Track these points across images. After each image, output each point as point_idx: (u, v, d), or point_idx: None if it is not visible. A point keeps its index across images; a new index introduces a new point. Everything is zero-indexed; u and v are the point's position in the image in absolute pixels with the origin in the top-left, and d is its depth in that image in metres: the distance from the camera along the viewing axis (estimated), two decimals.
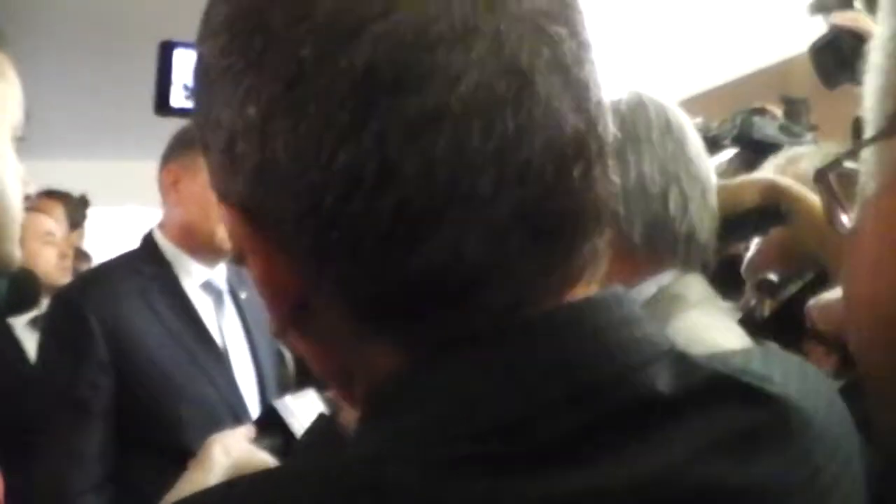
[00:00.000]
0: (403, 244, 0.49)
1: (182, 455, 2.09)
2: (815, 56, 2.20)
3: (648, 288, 1.26)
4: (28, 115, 1.13)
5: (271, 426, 1.51)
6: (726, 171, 2.40)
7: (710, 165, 1.35)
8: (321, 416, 1.32)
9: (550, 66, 0.50)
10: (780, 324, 1.36)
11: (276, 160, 0.50)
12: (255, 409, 2.22)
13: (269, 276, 0.55)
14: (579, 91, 0.52)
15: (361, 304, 0.52)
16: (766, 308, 1.48)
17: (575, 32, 0.53)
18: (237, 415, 2.17)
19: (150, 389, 2.10)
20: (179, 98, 1.16)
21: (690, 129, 1.34)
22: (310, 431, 1.31)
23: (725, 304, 1.34)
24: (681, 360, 0.53)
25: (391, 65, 0.48)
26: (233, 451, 1.47)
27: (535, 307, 0.52)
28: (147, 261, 2.22)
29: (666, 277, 1.28)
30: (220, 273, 2.28)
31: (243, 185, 0.53)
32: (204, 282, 2.25)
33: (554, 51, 0.51)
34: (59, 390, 2.07)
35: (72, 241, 3.61)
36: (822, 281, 1.33)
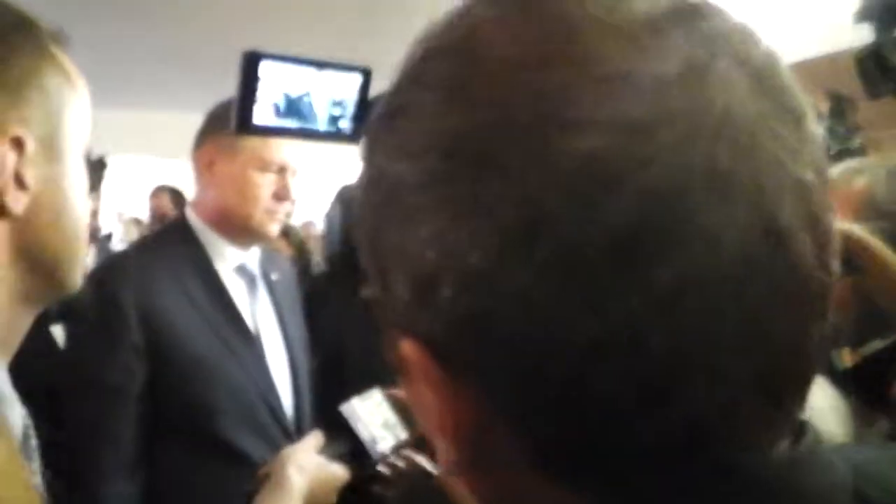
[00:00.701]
0: (633, 413, 0.45)
1: (213, 441, 2.08)
2: (859, 64, 2.15)
3: None
4: None
5: (338, 432, 1.49)
6: None
7: None
8: (421, 475, 1.28)
9: (804, 221, 0.46)
10: (862, 380, 1.33)
11: (501, 317, 0.45)
12: (286, 396, 2.20)
13: (441, 407, 0.51)
14: (825, 243, 0.48)
15: (554, 459, 0.49)
16: (844, 358, 1.45)
17: (820, 171, 0.48)
18: (268, 402, 2.15)
19: (182, 374, 2.07)
20: (264, 115, 1.08)
21: None
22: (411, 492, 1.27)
23: None
24: None
25: (653, 226, 0.43)
26: (306, 467, 1.45)
27: (751, 465, 0.48)
28: (180, 242, 2.18)
29: None
30: (253, 257, 2.24)
31: (441, 327, 0.48)
32: (238, 265, 2.21)
33: (808, 202, 0.46)
34: (93, 375, 2.04)
35: (89, 204, 3.54)
36: None
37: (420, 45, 0.52)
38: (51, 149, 0.98)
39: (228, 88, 1.14)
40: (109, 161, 4.22)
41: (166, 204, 4.99)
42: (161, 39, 5.97)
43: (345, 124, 1.12)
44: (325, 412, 2.27)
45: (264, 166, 2.14)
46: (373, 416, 1.45)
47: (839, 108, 2.66)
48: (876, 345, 1.35)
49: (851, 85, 2.64)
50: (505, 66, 0.46)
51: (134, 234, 5.93)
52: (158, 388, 2.07)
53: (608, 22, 0.46)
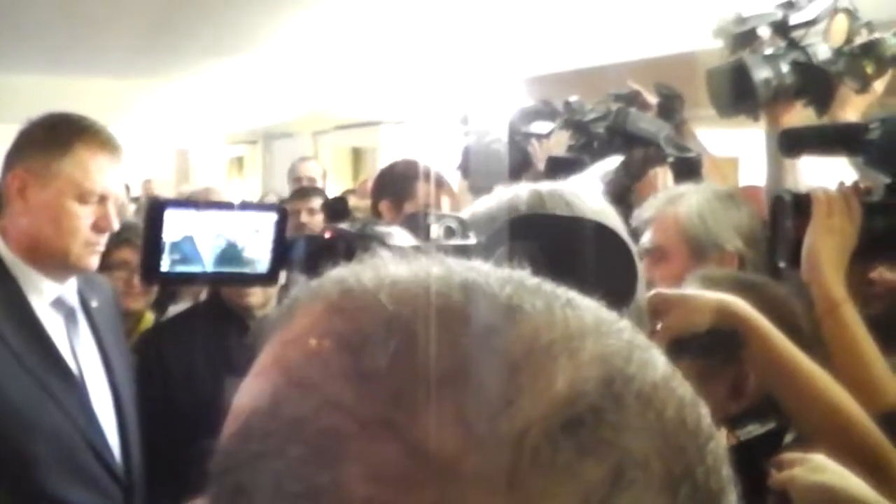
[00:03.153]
0: None
1: (36, 495, 1.93)
2: (711, 80, 2.14)
3: None
4: None
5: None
6: (612, 182, 2.35)
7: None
8: None
9: None
10: (737, 464, 1.32)
11: None
12: (113, 436, 2.06)
13: None
14: None
15: None
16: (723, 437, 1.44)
17: None
18: (94, 446, 2.01)
19: None
20: (169, 264, 1.03)
21: None
22: None
23: None
24: None
25: None
26: None
27: None
28: None
29: None
30: (70, 287, 2.07)
31: None
32: (55, 299, 2.03)
33: None
34: None
35: None
36: (781, 431, 1.30)
37: None
38: None
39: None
40: None
41: None
42: None
43: (262, 265, 1.08)
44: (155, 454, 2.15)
45: (83, 196, 1.96)
46: None
47: (668, 105, 2.66)
48: (752, 430, 1.35)
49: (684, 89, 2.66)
50: None
51: None
52: None
53: None
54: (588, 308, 0.49)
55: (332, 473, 0.42)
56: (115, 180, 2.02)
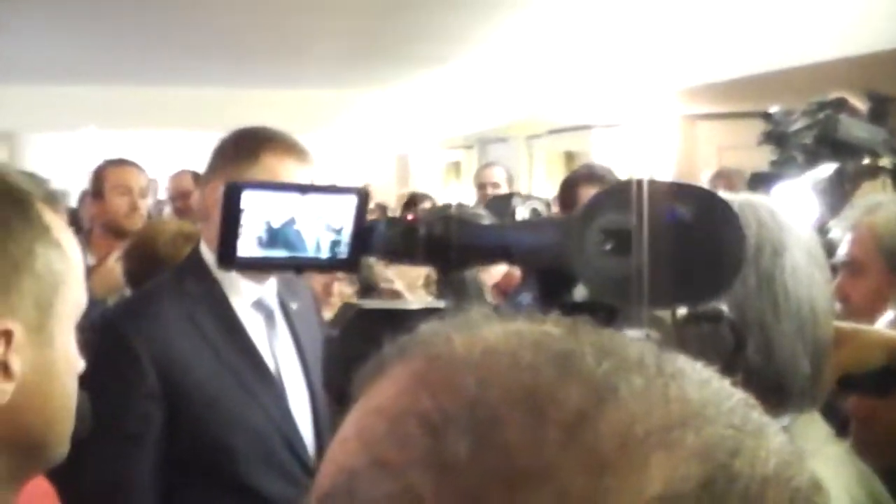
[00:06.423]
0: None
1: (233, 484, 2.05)
2: None
3: None
4: None
5: None
6: (825, 191, 2.23)
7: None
8: None
9: None
10: None
11: None
12: (308, 433, 2.15)
13: None
14: None
15: None
16: None
17: None
18: (289, 441, 2.10)
19: (200, 418, 2.03)
20: (249, 247, 1.00)
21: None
22: None
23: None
24: None
25: None
26: None
27: None
28: (195, 280, 2.11)
29: None
30: (270, 289, 2.18)
31: None
32: (255, 300, 2.14)
33: None
34: (110, 424, 2.00)
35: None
36: None
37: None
38: (40, 334, 0.92)
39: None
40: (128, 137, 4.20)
41: (188, 184, 4.94)
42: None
43: (341, 249, 1.03)
44: None
45: None
46: None
47: (880, 110, 2.52)
48: None
49: (893, 86, 2.51)
50: None
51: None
52: (176, 433, 2.03)
53: None
54: (696, 382, 0.44)
55: None
56: (307, 180, 2.10)
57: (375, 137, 11.66)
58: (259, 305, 2.15)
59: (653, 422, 0.41)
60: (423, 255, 0.87)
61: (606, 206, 0.58)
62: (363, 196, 1.04)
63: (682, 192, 0.62)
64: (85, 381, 2.04)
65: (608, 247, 0.57)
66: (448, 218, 0.88)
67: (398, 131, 11.46)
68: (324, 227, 1.02)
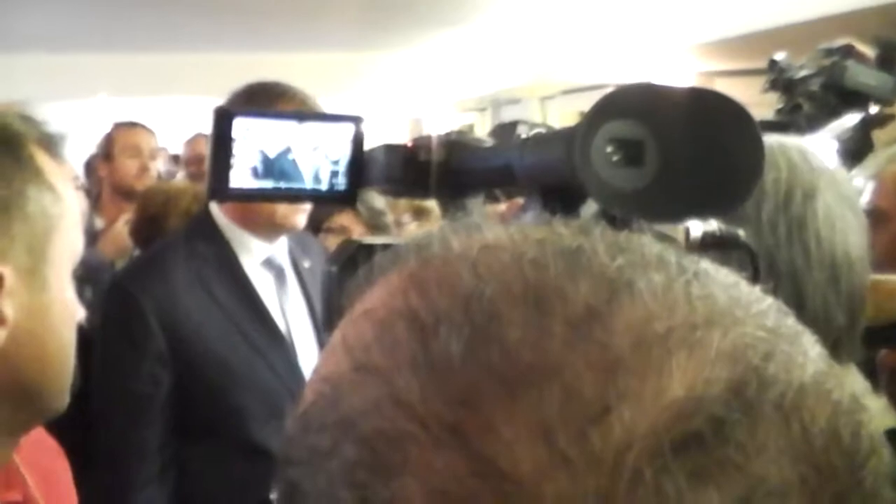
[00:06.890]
0: None
1: (243, 444, 2.03)
2: None
3: None
4: None
5: None
6: (849, 139, 2.17)
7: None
8: None
9: None
10: None
11: None
12: None
13: None
14: None
15: None
16: None
17: None
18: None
19: (209, 379, 2.02)
20: (241, 178, 0.93)
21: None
22: None
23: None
24: None
25: None
26: None
27: None
28: (204, 239, 2.09)
29: None
30: (281, 247, 2.15)
31: None
32: (265, 259, 2.12)
33: None
34: (119, 385, 2.00)
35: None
36: None
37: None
38: (33, 279, 0.89)
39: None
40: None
41: (202, 149, 4.92)
42: None
43: (339, 181, 0.96)
44: None
45: None
46: None
47: (889, 57, 2.44)
48: None
49: None
50: None
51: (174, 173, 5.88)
52: (185, 394, 2.02)
53: None
54: (722, 284, 0.39)
55: (387, 485, 0.35)
56: None
57: (389, 100, 11.61)
58: (269, 264, 2.13)
59: (674, 320, 0.36)
60: (425, 182, 0.82)
61: (612, 113, 0.53)
62: (359, 123, 0.99)
63: (693, 95, 0.57)
64: (93, 341, 2.03)
65: (616, 158, 0.52)
66: (449, 142, 0.83)
67: (412, 94, 11.40)
68: (322, 157, 0.97)
